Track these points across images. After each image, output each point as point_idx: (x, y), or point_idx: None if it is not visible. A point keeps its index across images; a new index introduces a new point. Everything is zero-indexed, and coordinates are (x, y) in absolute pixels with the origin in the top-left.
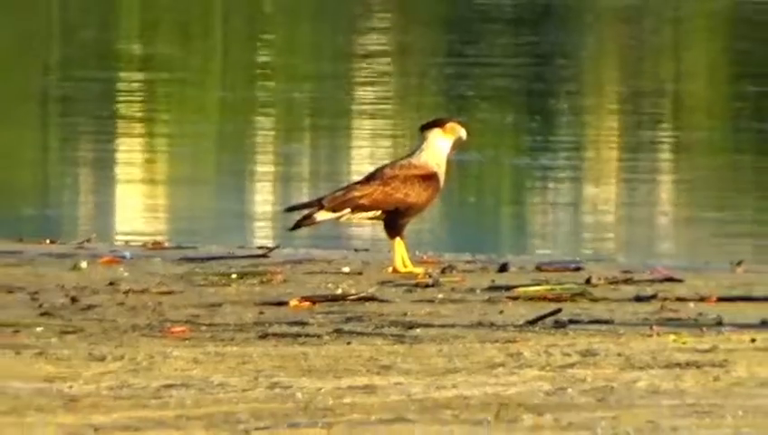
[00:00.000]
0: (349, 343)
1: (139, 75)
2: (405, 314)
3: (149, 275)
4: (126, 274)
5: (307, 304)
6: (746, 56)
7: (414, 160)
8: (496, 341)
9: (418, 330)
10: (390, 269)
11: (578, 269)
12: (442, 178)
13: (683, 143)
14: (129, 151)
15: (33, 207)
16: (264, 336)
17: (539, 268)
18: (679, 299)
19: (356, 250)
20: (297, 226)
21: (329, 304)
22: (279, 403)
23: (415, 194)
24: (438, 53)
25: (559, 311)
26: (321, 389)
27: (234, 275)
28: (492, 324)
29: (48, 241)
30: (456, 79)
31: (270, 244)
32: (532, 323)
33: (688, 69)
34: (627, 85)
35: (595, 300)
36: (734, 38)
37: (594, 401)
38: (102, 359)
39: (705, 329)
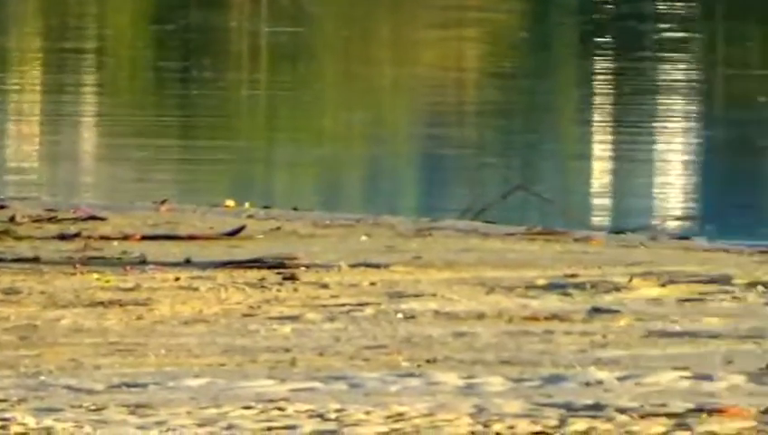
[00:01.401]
0: None
1: None
2: None
3: None
4: None
5: None
6: None
7: None
8: None
9: None
10: None
11: (2, 207)
12: None
13: (107, 86)
14: None
15: None
16: None
17: None
18: (103, 238)
19: None
20: None
21: None
22: None
23: None
24: None
25: None
26: None
27: None
28: None
29: None
30: None
31: None
32: None
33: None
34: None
35: (19, 238)
36: None
37: (17, 340)
38: None
39: (128, 267)
